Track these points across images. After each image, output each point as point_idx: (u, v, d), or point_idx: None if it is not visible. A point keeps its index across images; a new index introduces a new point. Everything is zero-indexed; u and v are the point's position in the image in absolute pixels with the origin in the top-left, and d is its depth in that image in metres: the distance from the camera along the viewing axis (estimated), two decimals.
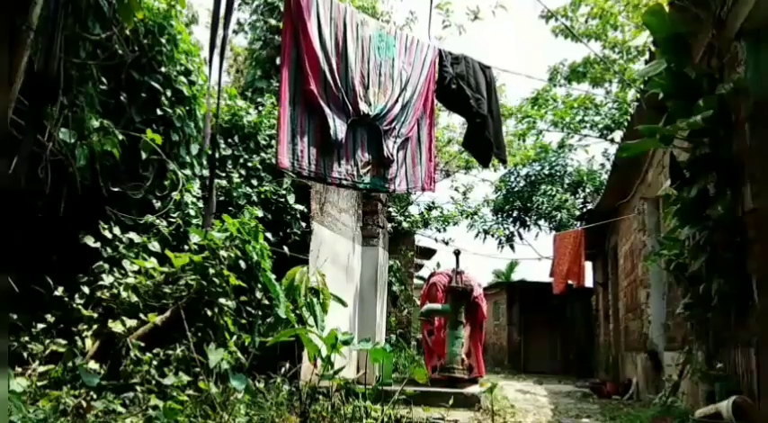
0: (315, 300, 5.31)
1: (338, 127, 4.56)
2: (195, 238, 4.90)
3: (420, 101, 5.26)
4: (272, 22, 8.02)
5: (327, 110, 4.51)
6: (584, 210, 15.30)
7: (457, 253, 8.55)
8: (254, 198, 6.24)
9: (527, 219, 16.43)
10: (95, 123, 4.33)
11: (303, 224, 6.49)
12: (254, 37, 8.35)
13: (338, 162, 4.65)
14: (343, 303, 5.85)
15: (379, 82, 4.92)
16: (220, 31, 4.12)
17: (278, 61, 7.53)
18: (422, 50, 5.30)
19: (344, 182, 4.74)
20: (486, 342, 10.36)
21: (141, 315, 4.37)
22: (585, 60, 14.47)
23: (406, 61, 5.15)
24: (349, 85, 4.67)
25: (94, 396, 3.69)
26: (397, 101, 5.02)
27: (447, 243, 14.81)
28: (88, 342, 4.12)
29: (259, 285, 5.10)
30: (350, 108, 4.66)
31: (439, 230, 15.17)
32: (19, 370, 3.79)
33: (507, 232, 16.80)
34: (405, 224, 11.02)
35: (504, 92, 14.46)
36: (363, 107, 4.75)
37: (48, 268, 4.31)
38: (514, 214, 16.65)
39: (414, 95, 5.17)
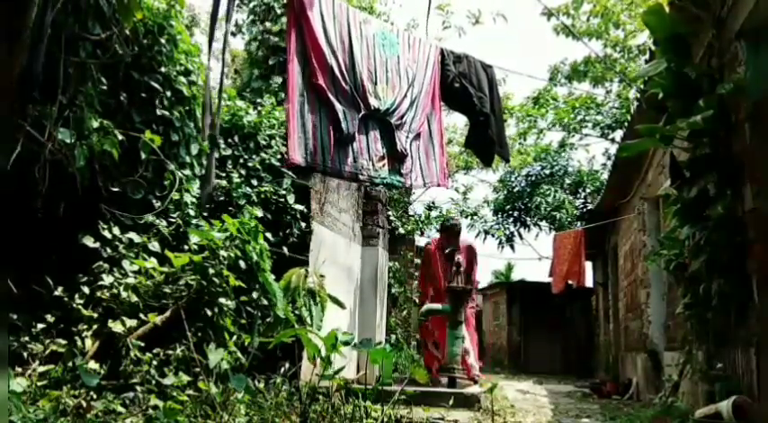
0: (312, 301, 5.32)
1: (349, 121, 4.54)
2: (195, 239, 4.90)
3: (427, 98, 5.27)
4: (268, 23, 8.01)
5: (337, 104, 4.50)
6: (585, 210, 15.30)
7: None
8: (254, 198, 6.23)
9: (527, 219, 16.42)
10: (95, 123, 4.32)
11: (303, 224, 6.49)
12: (251, 37, 8.34)
13: (353, 156, 4.63)
14: (341, 305, 5.84)
15: (387, 78, 4.92)
16: (220, 31, 4.12)
17: (271, 62, 7.54)
18: (424, 49, 5.31)
19: (360, 176, 4.71)
20: (480, 340, 10.39)
21: (141, 315, 4.37)
22: (587, 59, 14.46)
23: (410, 59, 5.15)
24: (357, 81, 4.66)
25: (94, 396, 3.69)
26: (405, 96, 5.02)
27: None
28: (88, 342, 4.12)
29: (257, 285, 5.10)
30: (360, 102, 4.65)
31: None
32: (19, 370, 3.78)
33: (507, 232, 16.80)
34: (401, 230, 11.02)
35: (509, 98, 14.46)
36: (373, 102, 4.74)
37: (48, 268, 4.30)
38: (515, 214, 16.65)
39: (421, 92, 5.18)
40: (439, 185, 5.44)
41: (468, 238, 8.84)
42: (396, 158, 4.92)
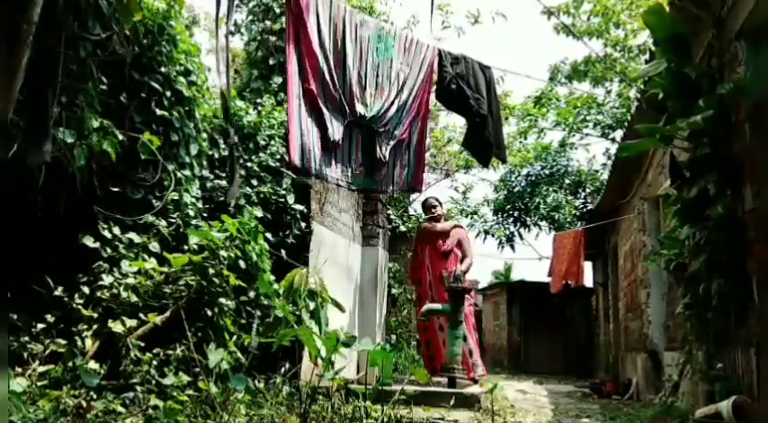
0: (313, 303, 5.31)
1: (335, 128, 4.59)
2: (194, 239, 4.90)
3: (415, 103, 5.28)
4: (267, 23, 8.02)
5: (325, 110, 4.54)
6: (585, 210, 15.29)
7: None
8: (254, 198, 6.24)
9: (527, 219, 16.42)
10: (95, 123, 4.33)
11: (303, 224, 6.49)
12: (250, 38, 8.35)
13: (336, 163, 4.69)
14: (341, 308, 5.84)
15: (377, 83, 4.94)
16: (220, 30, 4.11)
17: (271, 62, 7.55)
18: (421, 51, 5.31)
19: (340, 182, 4.80)
20: (480, 340, 10.41)
21: (141, 315, 4.37)
22: (587, 59, 14.46)
23: (404, 62, 5.16)
24: (346, 86, 4.69)
25: (94, 396, 3.69)
26: (393, 103, 5.04)
27: None
28: (88, 342, 4.12)
29: (257, 285, 5.10)
30: (347, 109, 4.68)
31: None
32: (19, 370, 3.79)
33: (507, 232, 16.79)
34: (402, 228, 11.04)
35: (508, 95, 14.45)
36: (360, 108, 4.77)
37: (48, 268, 4.31)
38: (515, 214, 16.65)
39: (410, 97, 5.20)
40: (412, 191, 5.54)
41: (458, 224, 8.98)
42: (373, 166, 4.99)
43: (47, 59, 3.56)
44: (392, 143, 5.10)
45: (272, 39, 7.69)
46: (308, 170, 4.50)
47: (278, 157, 6.56)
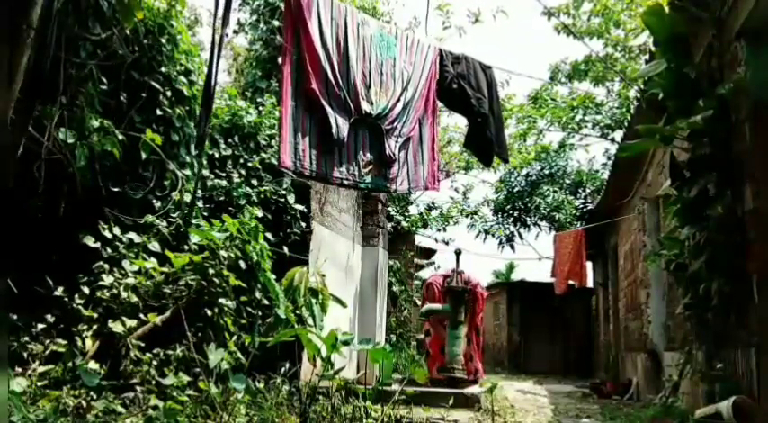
0: (314, 300, 5.31)
1: (340, 126, 4.55)
2: (195, 239, 4.90)
3: (421, 100, 5.27)
4: (274, 22, 8.02)
5: (329, 109, 4.51)
6: (585, 210, 15.30)
7: (457, 252, 8.56)
8: (254, 198, 6.23)
9: (527, 219, 16.43)
10: (95, 123, 4.33)
11: (303, 224, 6.49)
12: (255, 37, 8.34)
13: (339, 162, 4.65)
14: (343, 304, 5.85)
15: (381, 81, 4.92)
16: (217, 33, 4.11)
17: (279, 61, 7.54)
18: (422, 50, 5.30)
19: (346, 182, 4.75)
20: (485, 343, 10.41)
21: (141, 315, 4.37)
22: (587, 58, 14.46)
23: (407, 61, 5.15)
24: (351, 84, 4.67)
25: (94, 396, 3.69)
26: (398, 100, 5.02)
27: (447, 243, 14.82)
28: (88, 342, 4.12)
29: (259, 285, 5.10)
30: (351, 107, 4.66)
31: (439, 230, 15.18)
32: (19, 370, 3.78)
33: (507, 232, 16.80)
34: (404, 223, 11.04)
35: (511, 98, 14.46)
36: (365, 106, 4.74)
37: (48, 268, 4.30)
38: (515, 214, 16.66)
39: (415, 95, 5.18)
40: (427, 189, 5.46)
41: (476, 278, 8.55)
42: (383, 164, 4.94)
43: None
44: (401, 141, 5.06)
45: (280, 39, 7.69)
46: (303, 172, 4.47)
47: (278, 156, 6.56)
